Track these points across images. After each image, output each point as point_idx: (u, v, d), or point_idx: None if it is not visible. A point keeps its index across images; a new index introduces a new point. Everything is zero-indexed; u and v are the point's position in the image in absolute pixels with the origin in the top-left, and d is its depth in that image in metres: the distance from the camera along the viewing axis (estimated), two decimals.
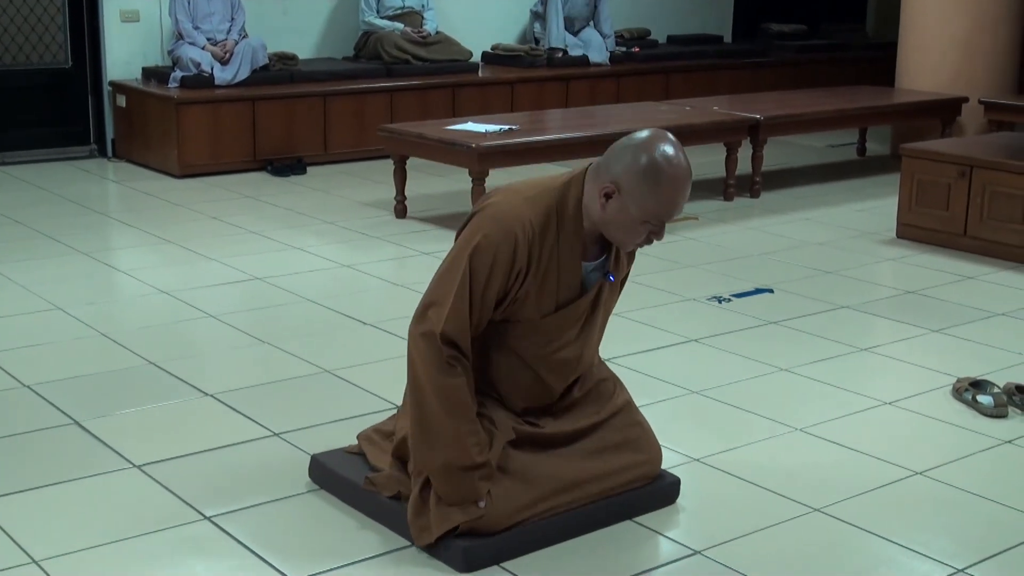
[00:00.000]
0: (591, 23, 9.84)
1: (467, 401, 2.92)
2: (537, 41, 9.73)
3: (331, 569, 2.95)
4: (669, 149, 2.76)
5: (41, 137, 8.26)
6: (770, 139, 7.56)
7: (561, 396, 3.20)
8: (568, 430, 3.16)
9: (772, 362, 4.47)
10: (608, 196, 2.81)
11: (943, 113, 8.32)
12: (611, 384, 3.31)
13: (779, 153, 8.75)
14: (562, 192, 2.91)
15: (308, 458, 3.45)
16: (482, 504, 2.94)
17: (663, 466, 3.38)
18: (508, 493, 2.99)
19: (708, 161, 8.18)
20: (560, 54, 9.52)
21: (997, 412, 3.97)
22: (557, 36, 9.58)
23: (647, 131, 2.83)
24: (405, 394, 3.10)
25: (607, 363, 4.39)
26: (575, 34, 9.75)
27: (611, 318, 4.82)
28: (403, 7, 9.01)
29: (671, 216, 2.81)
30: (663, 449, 3.52)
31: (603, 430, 3.20)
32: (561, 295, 2.97)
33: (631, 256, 3.17)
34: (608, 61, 9.70)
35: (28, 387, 4.12)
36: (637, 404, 3.80)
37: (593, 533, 3.12)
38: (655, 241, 2.88)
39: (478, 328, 2.93)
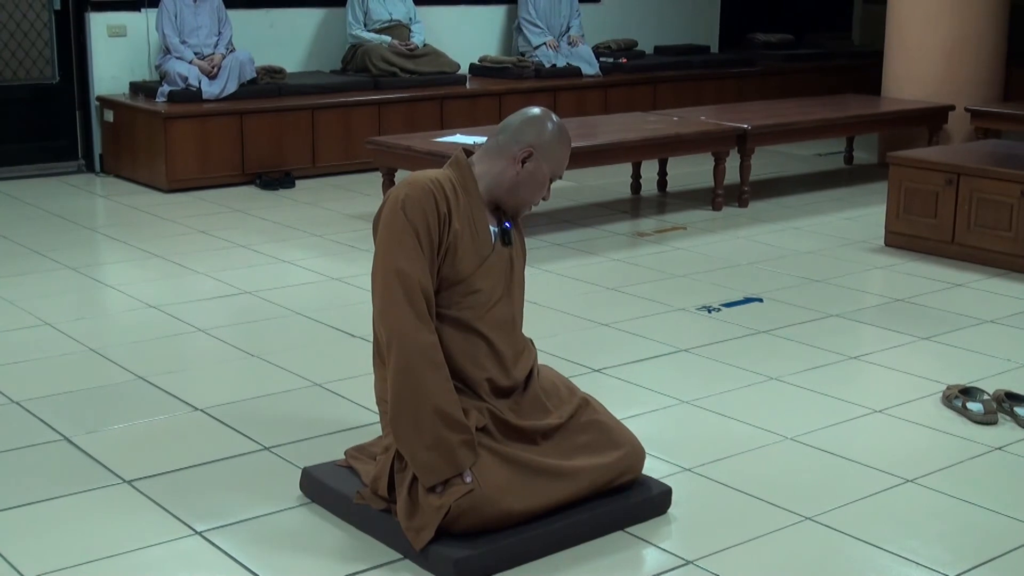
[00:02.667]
0: (571, 32, 9.87)
1: (443, 361, 3.05)
2: (523, 54, 9.75)
3: None
4: (558, 119, 3.30)
5: (28, 152, 8.23)
6: (758, 148, 7.57)
7: (524, 388, 3.25)
8: (538, 425, 3.19)
9: (762, 371, 4.48)
10: (526, 160, 3.21)
11: (930, 121, 8.35)
12: (564, 388, 3.36)
13: (767, 162, 8.77)
14: (452, 171, 3.23)
15: (299, 471, 3.45)
16: (468, 479, 2.97)
17: (658, 476, 3.39)
18: (495, 473, 3.02)
19: (696, 171, 8.21)
20: (550, 58, 9.56)
21: (987, 419, 3.98)
22: (537, 37, 9.64)
23: (536, 108, 3.32)
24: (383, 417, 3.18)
25: (598, 373, 4.40)
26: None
27: (600, 328, 4.82)
28: (390, 20, 9.01)
29: (563, 172, 3.31)
30: (656, 460, 3.53)
31: (568, 432, 3.23)
32: (480, 249, 3.18)
33: (523, 242, 3.40)
34: (600, 72, 9.72)
35: (17, 403, 4.11)
36: (628, 414, 3.81)
37: (585, 544, 3.12)
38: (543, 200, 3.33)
39: (433, 279, 3.10)
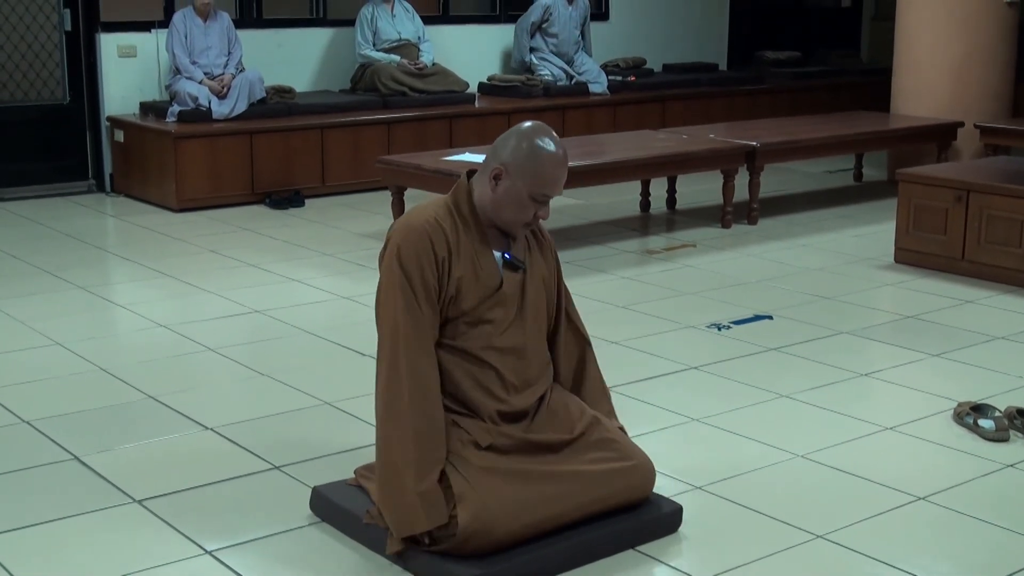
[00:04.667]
0: (583, 48, 9.91)
1: (437, 389, 3.06)
2: (532, 72, 9.78)
3: None
4: (546, 133, 3.15)
5: (39, 173, 8.27)
6: (767, 166, 7.57)
7: (534, 414, 3.23)
8: (547, 439, 3.19)
9: (772, 388, 4.47)
10: (497, 178, 3.11)
11: (939, 138, 8.35)
12: (574, 407, 3.33)
13: (776, 180, 8.77)
14: (452, 197, 3.20)
15: (309, 491, 3.45)
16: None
17: (669, 495, 3.39)
18: (503, 493, 3.01)
19: (705, 188, 8.21)
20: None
21: (998, 436, 3.97)
22: (519, 54, 9.75)
23: (524, 124, 3.20)
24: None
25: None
26: (569, 62, 9.81)
27: (611, 346, 4.81)
28: (399, 39, 9.05)
29: (553, 191, 3.13)
30: (666, 478, 3.53)
31: (578, 448, 3.22)
32: (487, 283, 3.15)
33: (552, 252, 3.36)
34: (608, 90, 9.75)
35: (27, 423, 4.12)
36: (638, 432, 3.80)
37: (595, 563, 3.11)
38: (541, 220, 3.18)
39: (433, 327, 3.09)
